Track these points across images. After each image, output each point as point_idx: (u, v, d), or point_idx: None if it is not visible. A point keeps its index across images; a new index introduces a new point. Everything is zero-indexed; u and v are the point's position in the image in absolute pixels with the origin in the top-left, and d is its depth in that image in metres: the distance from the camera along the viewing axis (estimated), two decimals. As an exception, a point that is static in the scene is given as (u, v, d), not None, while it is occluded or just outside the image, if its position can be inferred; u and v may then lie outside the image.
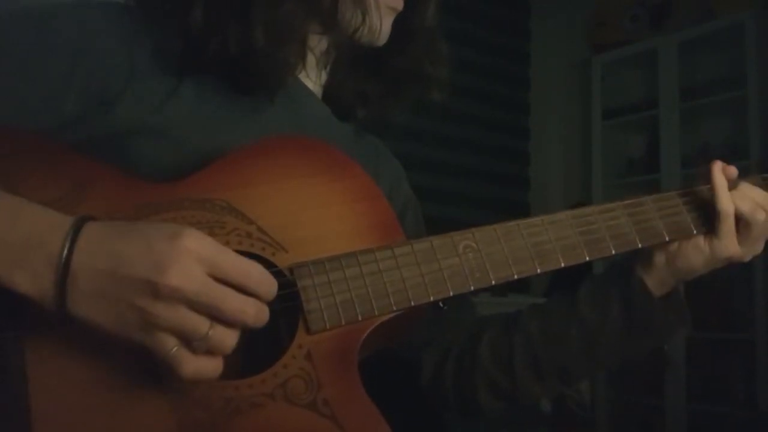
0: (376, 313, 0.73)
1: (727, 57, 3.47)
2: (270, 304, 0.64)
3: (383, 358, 0.83)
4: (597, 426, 3.52)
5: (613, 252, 0.83)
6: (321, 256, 0.73)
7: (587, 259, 0.82)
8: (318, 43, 0.87)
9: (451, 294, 0.76)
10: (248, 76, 0.80)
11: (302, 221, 0.74)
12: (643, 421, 3.52)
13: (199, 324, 0.60)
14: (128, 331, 0.60)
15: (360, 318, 0.72)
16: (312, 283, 0.71)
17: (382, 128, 1.00)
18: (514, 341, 0.92)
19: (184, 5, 0.78)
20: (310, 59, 0.87)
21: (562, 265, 0.81)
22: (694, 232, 0.86)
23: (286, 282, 0.70)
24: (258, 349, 0.70)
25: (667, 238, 0.86)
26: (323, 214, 0.76)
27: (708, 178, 0.87)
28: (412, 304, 0.74)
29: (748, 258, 0.88)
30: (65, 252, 0.59)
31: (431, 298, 0.75)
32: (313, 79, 0.90)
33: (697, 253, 0.87)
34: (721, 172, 0.86)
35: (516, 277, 0.79)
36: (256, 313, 0.62)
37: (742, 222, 0.85)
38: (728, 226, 0.85)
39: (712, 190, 0.86)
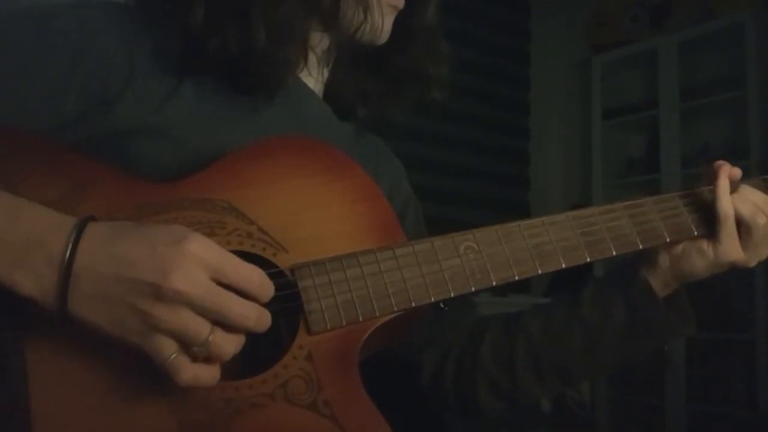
0: (377, 313, 0.73)
1: (727, 57, 3.47)
2: (270, 305, 0.64)
3: (384, 359, 0.82)
4: (597, 426, 3.51)
5: (614, 253, 0.83)
6: (321, 256, 0.73)
7: (588, 260, 0.82)
8: (320, 41, 0.87)
9: (452, 295, 0.76)
10: (248, 76, 0.80)
11: (302, 221, 0.74)
12: (643, 421, 3.51)
13: (201, 328, 0.60)
14: (127, 334, 0.60)
15: (361, 318, 0.72)
16: (313, 284, 0.71)
17: (382, 127, 1.00)
18: (515, 341, 0.92)
19: (184, 5, 0.78)
20: (312, 58, 0.87)
21: (563, 265, 0.81)
22: (695, 233, 0.86)
23: (287, 282, 0.70)
24: (258, 350, 0.70)
25: (668, 239, 0.86)
26: (323, 215, 0.76)
27: (710, 179, 0.87)
28: (413, 304, 0.74)
29: (753, 263, 0.87)
30: (68, 252, 0.59)
31: (432, 299, 0.75)
32: (314, 77, 0.90)
33: (701, 257, 0.86)
34: (726, 176, 0.86)
35: (517, 278, 0.79)
36: (258, 318, 0.62)
37: (743, 226, 0.85)
38: (728, 229, 0.85)
39: (713, 191, 0.85)
